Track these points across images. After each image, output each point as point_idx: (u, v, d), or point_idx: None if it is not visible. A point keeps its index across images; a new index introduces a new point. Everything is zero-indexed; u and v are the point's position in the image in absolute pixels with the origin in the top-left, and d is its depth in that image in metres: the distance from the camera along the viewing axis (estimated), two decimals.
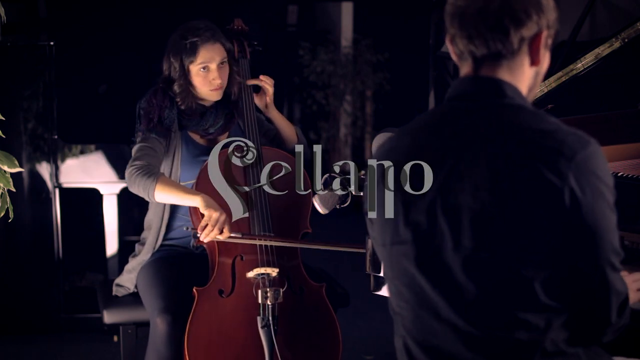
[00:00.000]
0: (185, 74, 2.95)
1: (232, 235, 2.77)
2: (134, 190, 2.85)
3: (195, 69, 2.94)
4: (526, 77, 1.75)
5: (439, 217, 1.70)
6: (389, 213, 1.78)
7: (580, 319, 1.70)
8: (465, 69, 1.77)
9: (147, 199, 2.85)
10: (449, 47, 1.79)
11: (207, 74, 2.94)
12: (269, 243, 2.85)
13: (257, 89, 3.11)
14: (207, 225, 2.72)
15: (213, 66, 2.94)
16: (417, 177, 1.73)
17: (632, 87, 3.12)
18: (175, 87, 2.96)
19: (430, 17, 5.23)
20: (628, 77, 3.29)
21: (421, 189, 1.72)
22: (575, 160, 1.62)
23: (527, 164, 1.63)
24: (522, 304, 1.66)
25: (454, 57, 1.79)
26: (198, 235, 2.75)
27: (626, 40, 2.93)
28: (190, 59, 2.93)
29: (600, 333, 1.71)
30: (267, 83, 3.08)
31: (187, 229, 2.87)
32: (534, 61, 1.74)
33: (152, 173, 2.82)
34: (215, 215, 2.72)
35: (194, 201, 2.77)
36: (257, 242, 2.85)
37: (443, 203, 1.69)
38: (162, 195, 2.80)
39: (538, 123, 1.67)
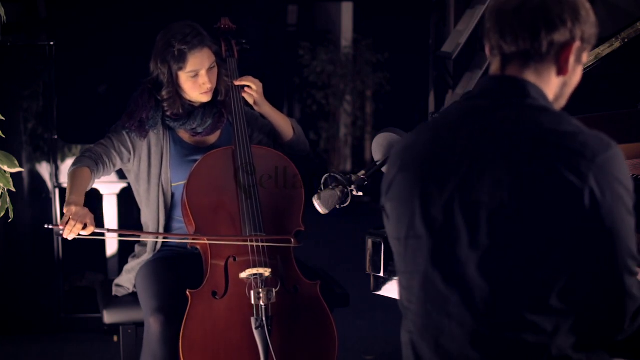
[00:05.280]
0: (174, 80, 2.94)
1: (96, 231, 2.71)
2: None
3: (184, 76, 2.93)
4: (553, 85, 1.75)
5: (457, 213, 1.69)
6: (406, 207, 1.77)
7: (592, 322, 1.69)
8: (494, 66, 1.77)
9: None
10: (485, 43, 1.79)
11: (196, 79, 2.93)
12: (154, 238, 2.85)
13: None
14: (69, 220, 2.67)
15: (203, 72, 2.93)
16: (436, 172, 1.74)
17: (632, 87, 3.11)
18: (164, 94, 2.95)
19: (430, 17, 5.22)
20: (628, 77, 3.29)
21: (440, 184, 1.72)
22: (596, 162, 1.62)
23: (547, 165, 1.63)
24: (533, 306, 1.66)
25: (487, 53, 1.79)
26: (61, 231, 2.68)
27: (626, 40, 2.93)
28: (179, 65, 2.92)
29: (612, 337, 1.70)
30: (248, 84, 3.03)
31: (46, 226, 2.78)
32: (562, 70, 1.74)
33: (80, 161, 2.87)
34: (75, 208, 2.69)
35: (67, 198, 2.77)
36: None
37: (461, 200, 1.69)
38: (67, 183, 2.84)
39: (560, 124, 1.67)
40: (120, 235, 2.79)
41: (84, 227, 2.68)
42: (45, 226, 2.78)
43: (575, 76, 1.78)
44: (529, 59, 1.72)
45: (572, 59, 1.73)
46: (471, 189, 1.68)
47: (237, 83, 3.03)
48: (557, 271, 1.64)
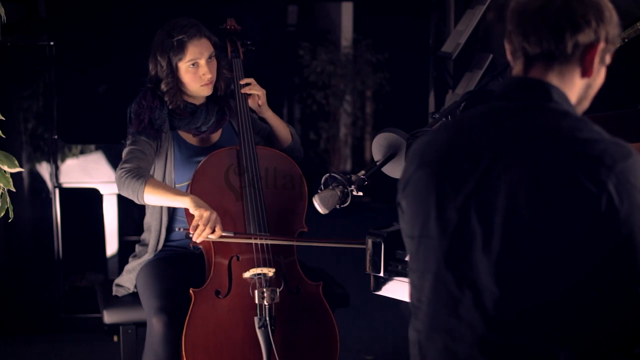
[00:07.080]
0: (174, 72, 2.94)
1: (224, 234, 2.77)
2: (124, 193, 2.85)
3: (184, 66, 2.94)
4: (576, 87, 1.73)
5: (472, 216, 1.67)
6: (421, 206, 1.76)
7: (607, 333, 1.65)
8: (516, 68, 1.75)
9: (136, 201, 2.84)
10: (506, 45, 1.77)
11: (196, 70, 2.94)
12: (262, 241, 2.86)
13: None
14: (198, 225, 2.72)
15: (202, 62, 2.94)
16: (453, 173, 1.72)
17: (632, 87, 3.11)
18: (163, 86, 2.95)
19: (430, 17, 5.23)
20: (628, 77, 3.28)
21: (456, 186, 1.70)
22: (615, 170, 1.59)
23: (565, 171, 1.60)
24: (545, 313, 1.64)
25: (508, 55, 1.77)
26: (190, 235, 2.75)
27: (626, 40, 2.93)
28: (179, 56, 2.92)
29: (630, 349, 1.66)
30: (253, 88, 3.05)
31: (179, 229, 2.88)
32: (586, 72, 1.71)
33: (140, 175, 2.81)
34: (206, 214, 2.71)
35: (183, 202, 2.76)
36: (252, 241, 2.85)
37: (477, 202, 1.67)
38: (151, 198, 2.80)
39: (580, 130, 1.64)
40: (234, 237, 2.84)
41: (213, 232, 2.74)
42: (177, 229, 2.92)
43: (599, 78, 1.75)
44: (553, 60, 1.70)
45: (596, 60, 1.71)
46: (487, 193, 1.66)
47: (242, 84, 3.03)
48: (571, 280, 1.61)
